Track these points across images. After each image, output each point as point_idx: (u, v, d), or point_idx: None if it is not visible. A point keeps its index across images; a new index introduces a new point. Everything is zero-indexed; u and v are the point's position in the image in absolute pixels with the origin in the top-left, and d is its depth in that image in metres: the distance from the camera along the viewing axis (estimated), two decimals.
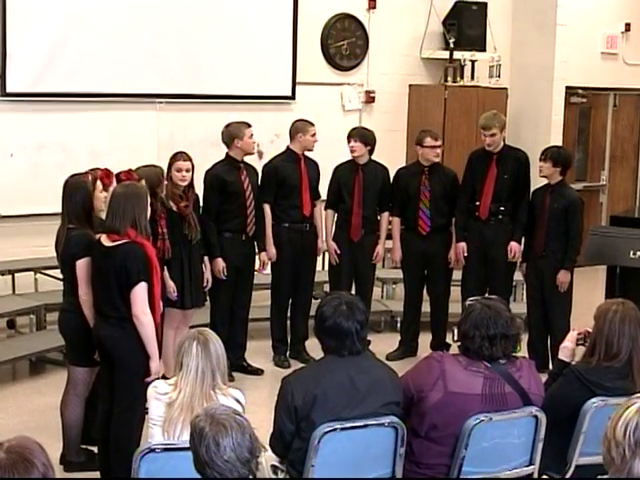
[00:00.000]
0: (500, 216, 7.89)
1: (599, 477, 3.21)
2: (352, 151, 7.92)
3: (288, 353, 8.05)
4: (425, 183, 7.96)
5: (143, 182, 6.42)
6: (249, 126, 7.53)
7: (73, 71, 8.91)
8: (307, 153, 7.89)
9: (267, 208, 7.71)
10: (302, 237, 7.84)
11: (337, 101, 10.66)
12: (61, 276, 5.95)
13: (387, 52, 10.80)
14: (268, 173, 7.79)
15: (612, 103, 12.51)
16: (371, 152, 7.97)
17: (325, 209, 8.05)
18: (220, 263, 7.35)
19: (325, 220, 8.04)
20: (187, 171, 6.95)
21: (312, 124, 7.85)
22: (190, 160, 6.99)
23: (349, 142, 7.93)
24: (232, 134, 7.46)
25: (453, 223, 8.04)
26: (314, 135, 7.80)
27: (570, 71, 11.42)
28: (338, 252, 7.97)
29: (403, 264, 8.21)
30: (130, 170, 6.46)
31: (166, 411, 4.13)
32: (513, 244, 7.85)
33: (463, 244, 7.94)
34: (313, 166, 7.93)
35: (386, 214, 8.11)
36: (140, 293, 5.23)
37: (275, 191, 7.75)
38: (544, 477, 4.73)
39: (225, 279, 7.39)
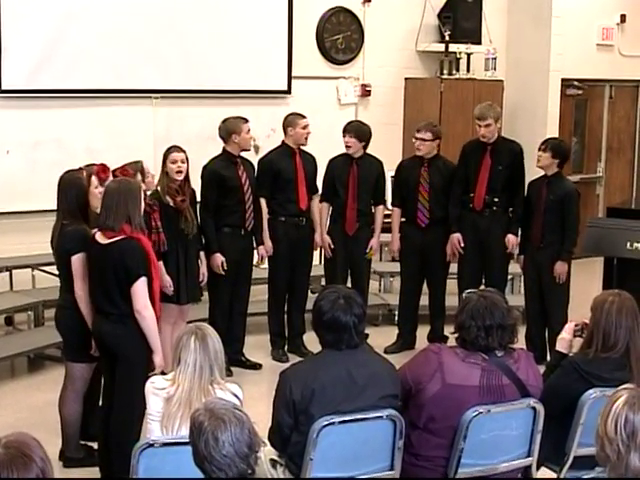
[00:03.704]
0: (494, 207, 7.90)
1: (597, 470, 3.21)
2: (347, 146, 7.92)
3: (286, 347, 8.05)
4: (424, 175, 7.96)
5: (139, 176, 6.42)
6: (246, 121, 7.52)
7: (69, 67, 8.91)
8: (310, 147, 7.88)
9: (263, 202, 7.72)
10: (298, 231, 7.85)
11: (333, 95, 10.66)
12: (58, 272, 5.95)
13: (383, 45, 10.80)
14: (263, 167, 7.80)
15: (608, 95, 12.51)
16: (366, 146, 7.97)
17: (320, 202, 8.05)
18: (219, 258, 7.35)
19: (320, 213, 8.05)
20: (182, 162, 6.94)
21: (303, 116, 7.84)
22: (184, 152, 6.98)
23: (344, 137, 7.92)
24: (230, 129, 7.46)
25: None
26: (305, 127, 7.78)
27: (566, 63, 11.43)
28: (332, 246, 7.98)
29: (401, 256, 8.22)
30: (124, 166, 6.45)
31: (164, 406, 4.13)
32: (510, 236, 7.86)
33: (458, 235, 7.95)
34: (310, 160, 7.93)
35: (381, 207, 8.12)
36: (141, 288, 5.24)
37: (271, 185, 7.75)
38: (543, 469, 4.75)
39: (224, 274, 7.40)
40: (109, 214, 5.29)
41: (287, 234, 7.81)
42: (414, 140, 8.00)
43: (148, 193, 6.73)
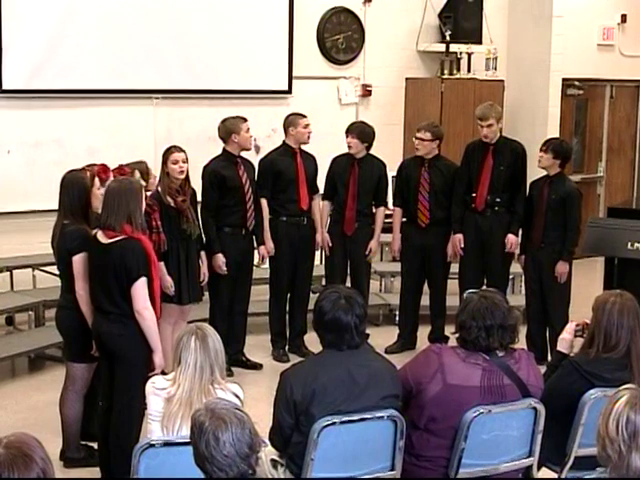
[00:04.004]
0: (496, 208, 7.90)
1: (598, 471, 3.20)
2: (349, 147, 7.93)
3: (287, 347, 8.05)
4: (424, 175, 7.96)
5: (138, 174, 6.39)
6: (245, 120, 7.52)
7: (69, 67, 8.91)
8: (304, 147, 7.89)
9: (264, 202, 7.71)
10: (300, 231, 7.85)
11: (334, 95, 10.66)
12: (58, 272, 5.94)
13: (383, 45, 10.80)
14: (264, 167, 7.80)
15: (609, 94, 12.51)
16: (369, 148, 7.97)
17: (322, 200, 8.07)
18: (220, 258, 7.35)
19: (321, 211, 8.05)
20: (184, 162, 6.93)
21: (303, 116, 7.84)
22: (183, 151, 6.98)
23: (346, 137, 7.93)
24: (229, 129, 7.45)
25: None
26: (306, 127, 7.78)
27: (566, 63, 11.42)
28: (330, 245, 7.99)
29: (402, 256, 8.22)
30: (121, 166, 6.44)
31: (165, 406, 4.13)
32: (510, 236, 7.85)
33: (460, 236, 7.95)
34: (310, 160, 7.93)
35: (382, 209, 8.11)
36: (141, 288, 5.23)
37: (272, 185, 7.75)
38: (544, 469, 4.74)
39: (225, 274, 7.40)
40: (110, 214, 5.28)
41: (288, 234, 7.81)
42: (414, 139, 8.01)
43: (148, 194, 6.72)
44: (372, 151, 8.05)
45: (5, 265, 8.54)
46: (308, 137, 7.80)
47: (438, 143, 7.97)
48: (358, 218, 7.98)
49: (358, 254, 8.04)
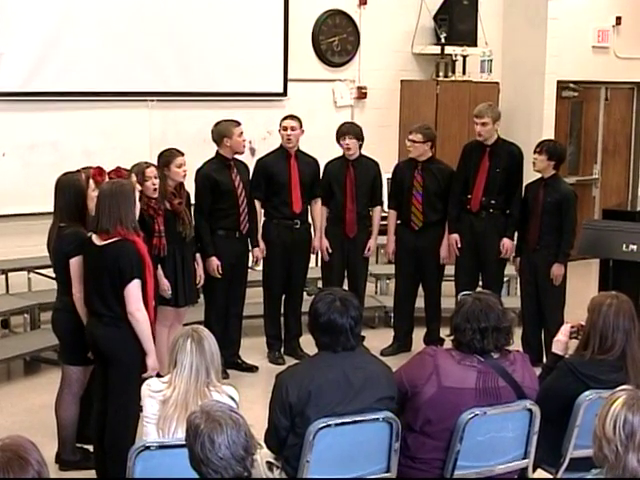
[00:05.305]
0: (491, 209, 7.89)
1: (593, 472, 3.21)
2: (347, 148, 7.92)
3: (282, 350, 8.05)
4: (417, 178, 7.96)
5: (133, 177, 6.38)
6: (238, 124, 7.50)
7: (65, 70, 8.90)
8: (306, 150, 7.88)
9: (257, 204, 7.72)
10: (292, 234, 7.83)
11: (329, 97, 10.67)
12: (54, 275, 5.94)
13: (378, 48, 10.80)
14: (257, 169, 7.81)
15: (604, 97, 12.52)
16: (360, 147, 7.98)
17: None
18: (214, 262, 7.35)
19: (319, 216, 8.05)
20: (185, 165, 6.94)
21: (286, 117, 7.83)
22: (183, 154, 6.99)
23: (343, 140, 7.91)
24: (222, 133, 7.44)
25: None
26: (285, 129, 7.72)
27: (561, 65, 11.44)
28: (329, 251, 7.98)
29: (396, 258, 8.22)
30: (119, 167, 6.43)
31: (160, 409, 4.13)
32: (506, 241, 7.84)
33: (456, 235, 7.94)
34: (309, 163, 7.91)
35: (378, 208, 8.13)
36: (134, 290, 5.23)
37: (265, 188, 7.75)
38: (539, 471, 4.75)
39: (220, 277, 7.40)
40: (102, 216, 5.28)
41: (280, 237, 7.81)
42: (407, 141, 8.01)
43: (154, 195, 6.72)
44: (368, 153, 8.06)
45: (0, 268, 8.53)
46: (287, 139, 7.75)
47: (431, 145, 7.95)
48: (357, 220, 7.98)
49: (357, 256, 8.05)
